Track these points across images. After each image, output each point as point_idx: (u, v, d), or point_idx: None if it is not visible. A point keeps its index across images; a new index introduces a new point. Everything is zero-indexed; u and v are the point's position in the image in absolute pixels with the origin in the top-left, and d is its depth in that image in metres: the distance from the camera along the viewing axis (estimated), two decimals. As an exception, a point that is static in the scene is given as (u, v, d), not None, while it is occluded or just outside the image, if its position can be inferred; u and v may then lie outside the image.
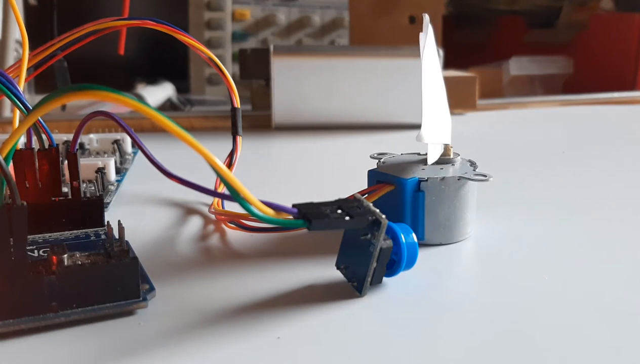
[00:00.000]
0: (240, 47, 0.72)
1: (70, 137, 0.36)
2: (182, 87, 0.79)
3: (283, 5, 0.82)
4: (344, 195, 0.23)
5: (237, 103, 0.29)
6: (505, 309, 0.20)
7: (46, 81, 0.60)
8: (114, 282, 0.19)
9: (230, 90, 0.29)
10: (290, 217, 0.19)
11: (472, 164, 0.27)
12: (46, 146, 0.25)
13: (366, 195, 0.25)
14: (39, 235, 0.25)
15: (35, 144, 0.25)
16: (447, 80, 0.30)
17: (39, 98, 0.22)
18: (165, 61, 0.82)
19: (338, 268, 0.22)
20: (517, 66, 0.80)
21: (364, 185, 0.26)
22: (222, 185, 0.29)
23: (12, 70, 0.26)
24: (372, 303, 0.21)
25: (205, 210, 0.30)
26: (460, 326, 0.19)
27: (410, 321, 0.20)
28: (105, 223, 0.25)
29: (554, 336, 0.18)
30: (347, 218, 0.20)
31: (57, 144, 0.26)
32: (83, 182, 0.31)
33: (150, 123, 0.48)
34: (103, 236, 0.25)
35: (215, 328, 0.19)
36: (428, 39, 0.26)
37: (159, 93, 0.72)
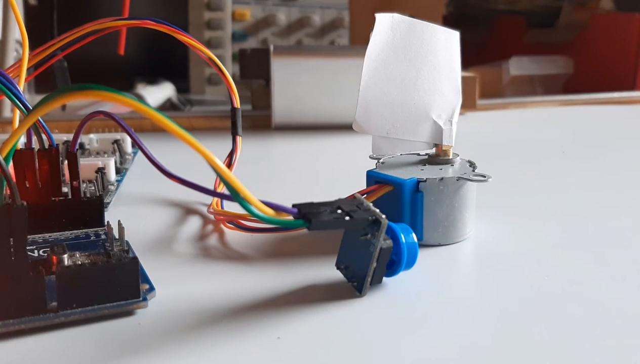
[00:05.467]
0: (240, 47, 0.72)
1: (70, 137, 0.36)
2: (182, 87, 0.79)
3: (283, 5, 0.81)
4: (344, 195, 0.23)
5: (237, 103, 0.29)
6: (504, 309, 0.20)
7: (46, 81, 0.60)
8: (114, 282, 0.19)
9: (230, 90, 0.29)
10: (290, 217, 0.19)
11: (472, 164, 0.27)
12: (46, 146, 0.25)
13: (365, 196, 0.25)
14: (39, 235, 0.25)
15: (35, 144, 0.25)
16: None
17: (39, 98, 0.22)
18: (165, 61, 0.82)
19: (338, 268, 0.22)
20: (517, 66, 0.80)
21: (363, 185, 0.26)
22: (221, 185, 0.29)
23: (12, 70, 0.26)
24: (372, 303, 0.21)
25: (205, 210, 0.30)
26: (459, 326, 0.19)
27: (410, 321, 0.20)
28: (105, 223, 0.25)
29: (554, 337, 0.18)
30: (347, 218, 0.20)
31: (57, 144, 0.26)
32: (83, 182, 0.31)
33: (150, 123, 0.48)
34: (103, 236, 0.25)
35: (215, 328, 0.19)
36: (453, 42, 0.27)
37: (159, 93, 0.72)
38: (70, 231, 0.25)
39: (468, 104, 0.55)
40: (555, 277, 0.23)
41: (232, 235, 0.27)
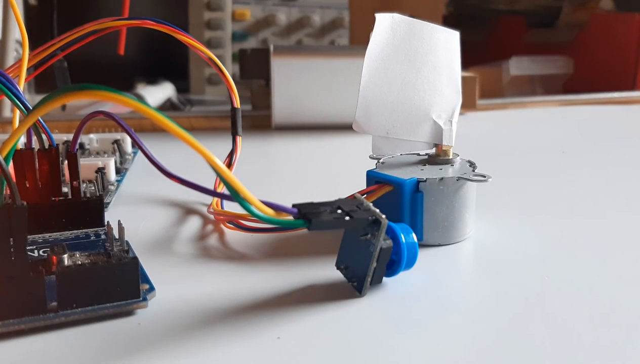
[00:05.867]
0: (240, 47, 0.72)
1: (70, 137, 0.36)
2: (182, 87, 0.79)
3: (283, 5, 0.81)
4: (344, 195, 0.23)
5: (237, 103, 0.29)
6: (504, 310, 0.20)
7: (46, 81, 0.60)
8: (114, 282, 0.19)
9: (230, 90, 0.29)
10: (290, 217, 0.19)
11: (472, 164, 0.27)
12: (46, 146, 0.25)
13: (365, 196, 0.25)
14: (39, 235, 0.25)
15: (35, 144, 0.25)
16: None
17: (39, 98, 0.22)
18: (165, 61, 0.82)
19: (338, 268, 0.22)
20: (517, 66, 0.80)
21: (363, 185, 0.26)
22: (221, 185, 0.29)
23: (12, 70, 0.26)
24: (372, 303, 0.21)
25: (205, 210, 0.30)
26: (459, 327, 0.19)
27: (410, 321, 0.20)
28: (105, 223, 0.25)
29: (553, 337, 0.18)
30: (347, 218, 0.20)
31: (57, 144, 0.26)
32: (83, 182, 0.31)
33: (150, 123, 0.48)
34: (103, 236, 0.25)
35: (215, 328, 0.19)
36: (452, 42, 0.27)
37: (159, 93, 0.72)
38: (70, 231, 0.25)
39: (468, 104, 0.55)
40: (555, 277, 0.23)
41: (232, 235, 0.27)
